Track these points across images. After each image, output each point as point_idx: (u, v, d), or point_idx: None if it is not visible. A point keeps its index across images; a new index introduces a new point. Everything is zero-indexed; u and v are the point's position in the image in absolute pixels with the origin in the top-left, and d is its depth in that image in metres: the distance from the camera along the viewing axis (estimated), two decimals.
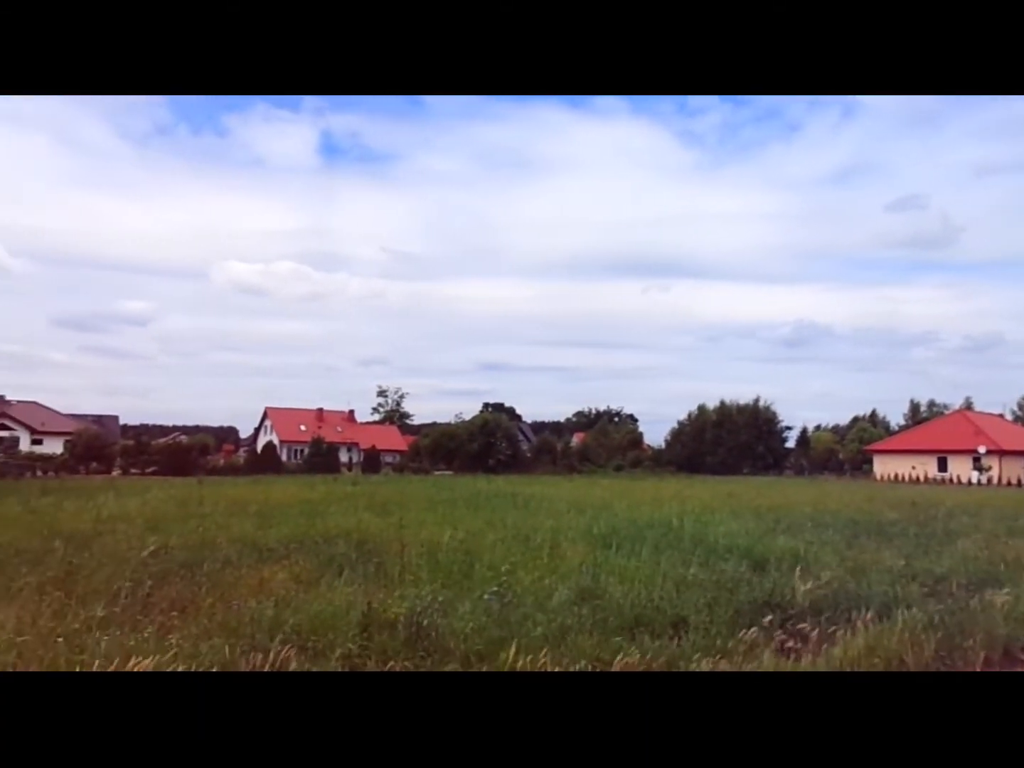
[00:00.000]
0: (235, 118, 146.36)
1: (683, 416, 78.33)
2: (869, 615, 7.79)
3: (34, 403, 68.26)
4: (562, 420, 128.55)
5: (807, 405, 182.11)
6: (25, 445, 60.44)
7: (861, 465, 67.95)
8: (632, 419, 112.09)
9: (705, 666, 6.26)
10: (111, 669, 5.60)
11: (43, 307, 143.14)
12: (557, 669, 5.86)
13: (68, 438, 57.08)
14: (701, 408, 77.42)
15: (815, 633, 7.34)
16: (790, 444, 77.54)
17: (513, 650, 6.10)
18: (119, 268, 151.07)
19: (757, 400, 74.69)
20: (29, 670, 5.74)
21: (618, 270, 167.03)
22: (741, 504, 24.72)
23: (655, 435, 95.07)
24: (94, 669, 5.72)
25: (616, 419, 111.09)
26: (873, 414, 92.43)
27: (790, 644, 7.23)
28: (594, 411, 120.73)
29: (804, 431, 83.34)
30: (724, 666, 6.29)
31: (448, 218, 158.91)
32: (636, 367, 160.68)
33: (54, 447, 58.08)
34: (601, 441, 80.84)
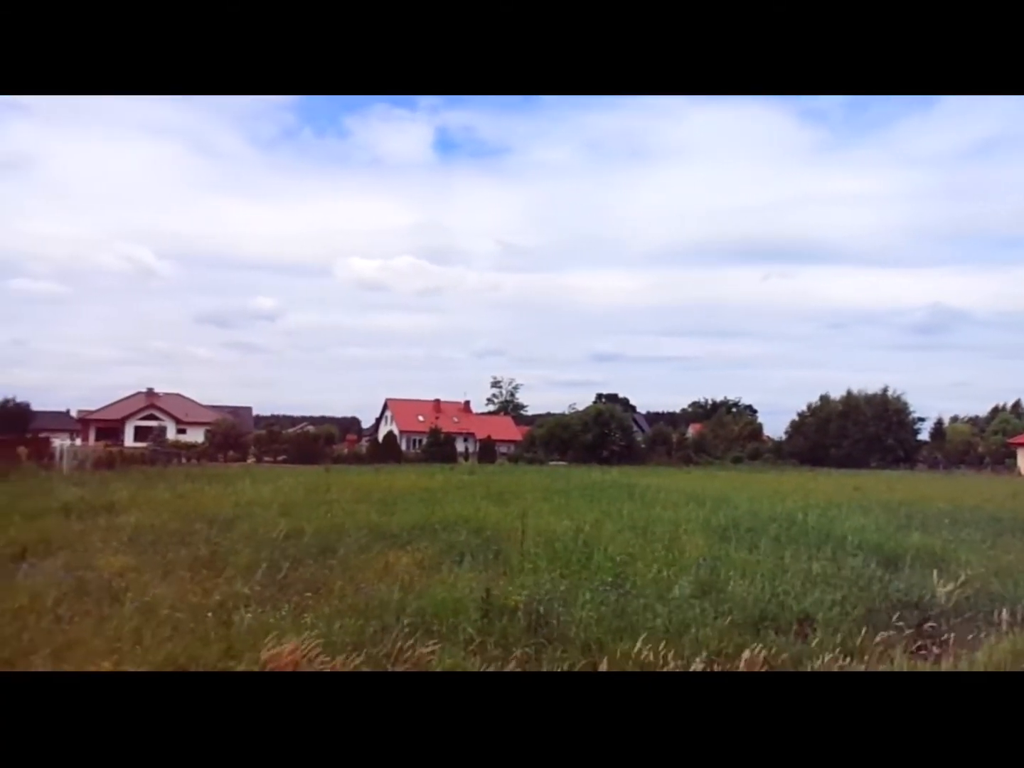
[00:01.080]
0: (355, 119, 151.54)
1: (804, 407, 75.47)
2: (1016, 618, 7.30)
3: (179, 395, 73.46)
4: (677, 411, 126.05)
5: (942, 395, 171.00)
6: (171, 434, 65.22)
7: (1003, 459, 63.17)
8: (751, 410, 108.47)
9: (834, 666, 6.06)
10: (253, 643, 6.00)
11: (187, 306, 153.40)
12: (679, 662, 5.83)
13: (208, 428, 61.16)
14: (824, 398, 74.27)
15: (955, 636, 6.95)
16: (923, 436, 73.35)
17: (640, 643, 6.08)
18: (251, 267, 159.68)
19: (886, 390, 71.09)
20: (183, 643, 6.24)
21: (736, 257, 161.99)
22: (869, 498, 23.60)
23: (775, 426, 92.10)
24: (238, 644, 6.14)
25: (734, 410, 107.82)
26: (1017, 404, 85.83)
27: (927, 647, 6.88)
28: (710, 401, 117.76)
29: (939, 423, 78.63)
30: (855, 667, 6.07)
31: (562, 209, 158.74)
32: (755, 356, 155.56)
33: (196, 436, 62.38)
34: (718, 432, 78.92)
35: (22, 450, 33.62)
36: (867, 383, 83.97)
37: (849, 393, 72.72)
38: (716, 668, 5.91)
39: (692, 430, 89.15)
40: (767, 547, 11.87)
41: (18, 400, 77.20)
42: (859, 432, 67.46)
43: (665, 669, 5.65)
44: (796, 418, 75.66)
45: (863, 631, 6.93)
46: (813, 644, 6.64)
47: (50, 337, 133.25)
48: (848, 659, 6.29)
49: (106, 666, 5.41)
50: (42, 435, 52.32)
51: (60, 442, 39.99)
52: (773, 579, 9.23)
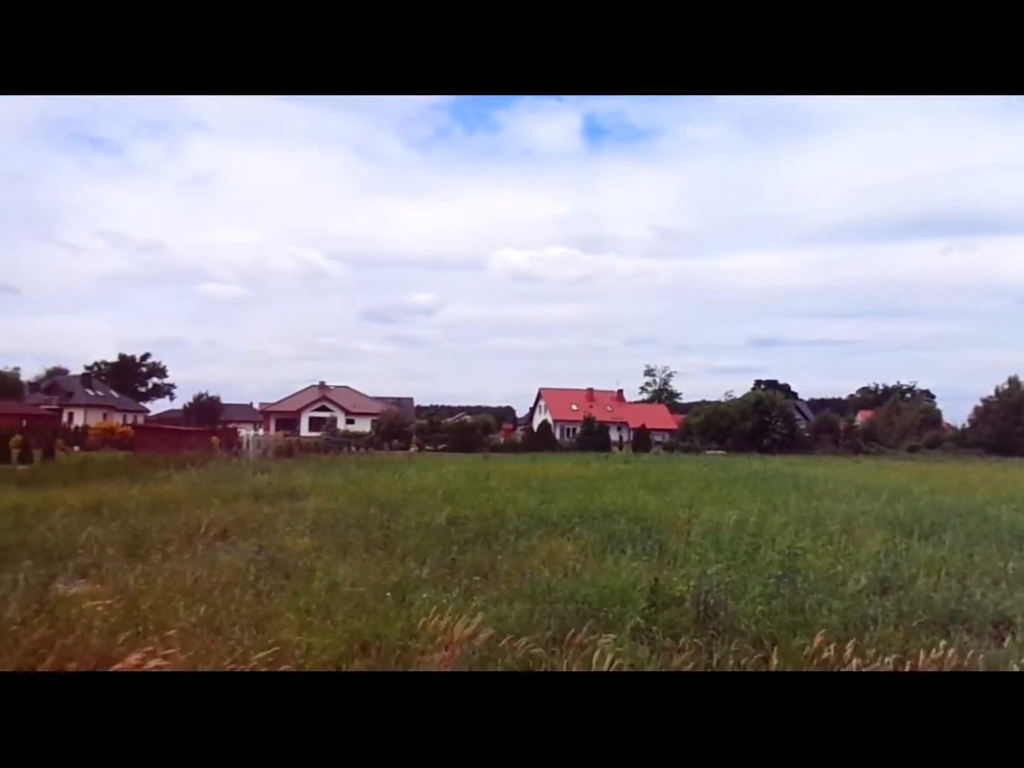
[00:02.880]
0: (504, 113, 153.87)
1: (991, 392, 68.88)
2: None
3: (347, 388, 78.07)
4: (844, 397, 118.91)
5: None
6: (341, 424, 69.49)
7: None
8: (928, 395, 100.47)
9: None
10: (431, 623, 6.28)
11: (352, 303, 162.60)
12: (860, 660, 5.56)
13: (374, 418, 64.60)
14: (1014, 382, 67.44)
15: None
16: None
17: (818, 640, 5.85)
18: (410, 264, 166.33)
19: None
20: (360, 620, 6.66)
21: (910, 230, 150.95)
22: None
23: (955, 413, 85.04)
24: (416, 623, 6.46)
25: (908, 395, 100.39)
26: None
27: None
28: (881, 387, 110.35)
29: None
30: None
31: (716, 189, 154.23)
32: (931, 337, 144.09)
33: (363, 426, 66.07)
34: (892, 419, 73.79)
35: (215, 439, 37.09)
36: None
37: None
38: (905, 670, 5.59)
39: (861, 417, 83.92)
40: (954, 543, 11.04)
41: (210, 394, 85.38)
42: None
43: (846, 669, 5.41)
44: (981, 404, 69.24)
45: None
46: (1012, 647, 6.14)
47: (236, 336, 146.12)
48: None
49: (296, 640, 5.86)
50: (230, 425, 57.41)
51: (246, 432, 43.68)
52: (963, 577, 8.61)
